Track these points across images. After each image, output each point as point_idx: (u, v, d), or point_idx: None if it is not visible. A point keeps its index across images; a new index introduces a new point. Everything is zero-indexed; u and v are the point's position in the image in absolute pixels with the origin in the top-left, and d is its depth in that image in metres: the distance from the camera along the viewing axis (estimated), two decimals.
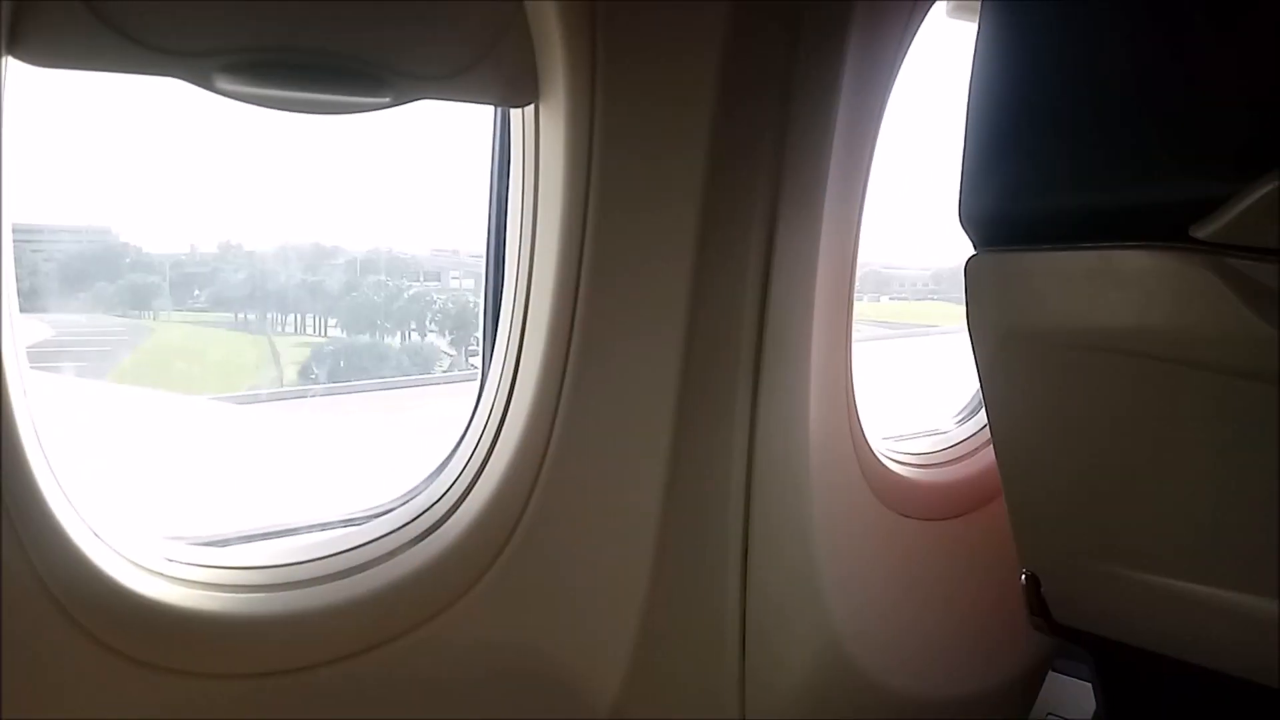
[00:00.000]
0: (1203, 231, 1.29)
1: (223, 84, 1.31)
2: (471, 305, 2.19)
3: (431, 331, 2.31)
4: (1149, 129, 1.36)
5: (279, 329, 2.14)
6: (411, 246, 2.30)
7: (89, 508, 1.44)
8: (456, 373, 2.29)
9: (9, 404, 1.29)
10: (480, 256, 1.84)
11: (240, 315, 2.14)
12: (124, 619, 1.42)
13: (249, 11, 1.33)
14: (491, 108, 1.72)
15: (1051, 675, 2.41)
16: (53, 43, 1.25)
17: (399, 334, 2.30)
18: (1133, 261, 1.38)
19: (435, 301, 2.31)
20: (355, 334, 2.26)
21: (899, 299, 3.44)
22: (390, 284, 2.25)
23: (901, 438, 2.32)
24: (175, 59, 1.30)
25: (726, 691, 1.99)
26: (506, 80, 1.56)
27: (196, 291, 2.07)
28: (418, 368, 2.34)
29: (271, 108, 1.36)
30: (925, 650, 2.19)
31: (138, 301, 1.99)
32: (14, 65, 1.25)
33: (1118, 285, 1.42)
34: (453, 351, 2.33)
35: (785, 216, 1.79)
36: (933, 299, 3.38)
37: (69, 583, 1.37)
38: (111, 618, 1.41)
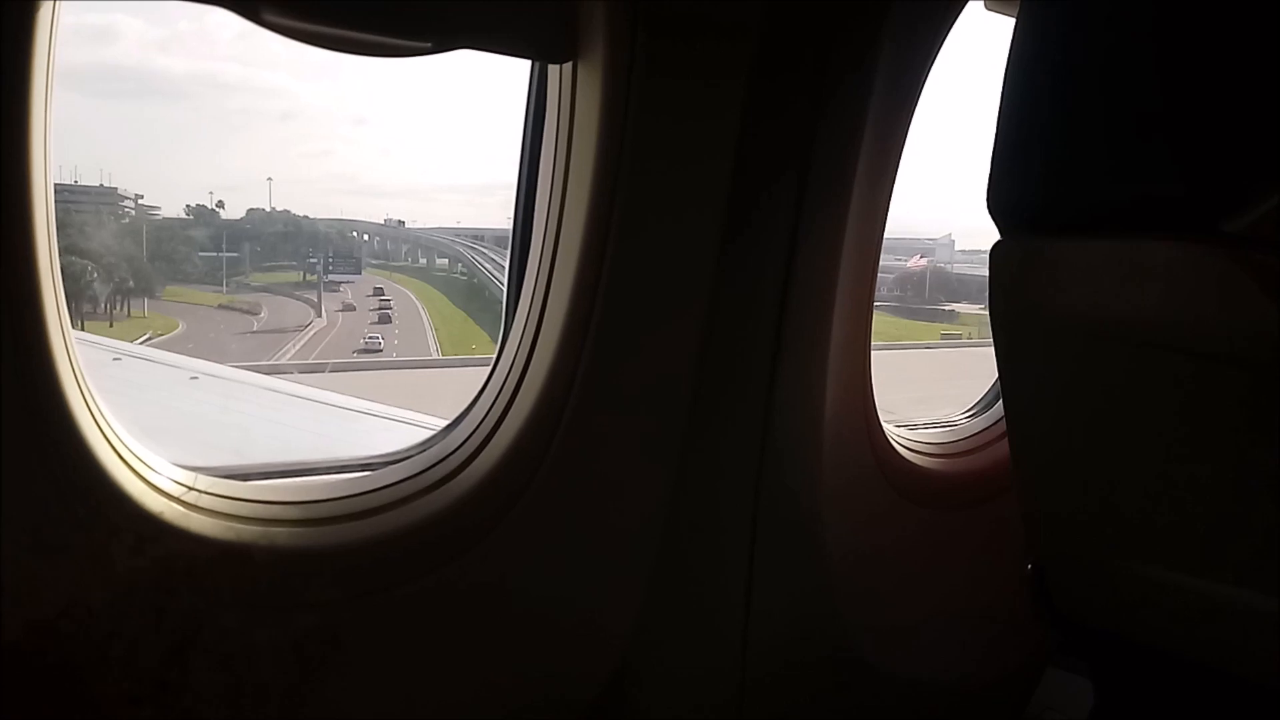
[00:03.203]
0: (1234, 225, 1.29)
1: (268, 15, 1.33)
2: None
3: None
4: (1183, 121, 1.36)
5: None
6: None
7: (117, 432, 1.48)
8: None
9: (48, 336, 1.33)
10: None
11: None
12: (146, 544, 1.45)
13: None
14: (529, 63, 1.73)
15: (1050, 671, 2.42)
16: None
17: None
18: (1159, 253, 1.38)
19: None
20: None
21: None
22: None
23: (915, 426, 2.33)
24: None
25: (728, 662, 2.01)
26: (546, 35, 1.58)
27: None
28: None
29: (315, 44, 1.38)
30: (927, 638, 2.20)
31: None
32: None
33: (1143, 276, 1.42)
34: None
35: (815, 192, 1.80)
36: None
37: (96, 505, 1.40)
38: (136, 542, 1.44)
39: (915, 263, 6.64)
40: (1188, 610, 1.58)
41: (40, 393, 1.33)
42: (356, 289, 5.97)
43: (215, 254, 5.71)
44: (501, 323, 1.86)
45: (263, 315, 5.60)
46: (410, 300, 6.12)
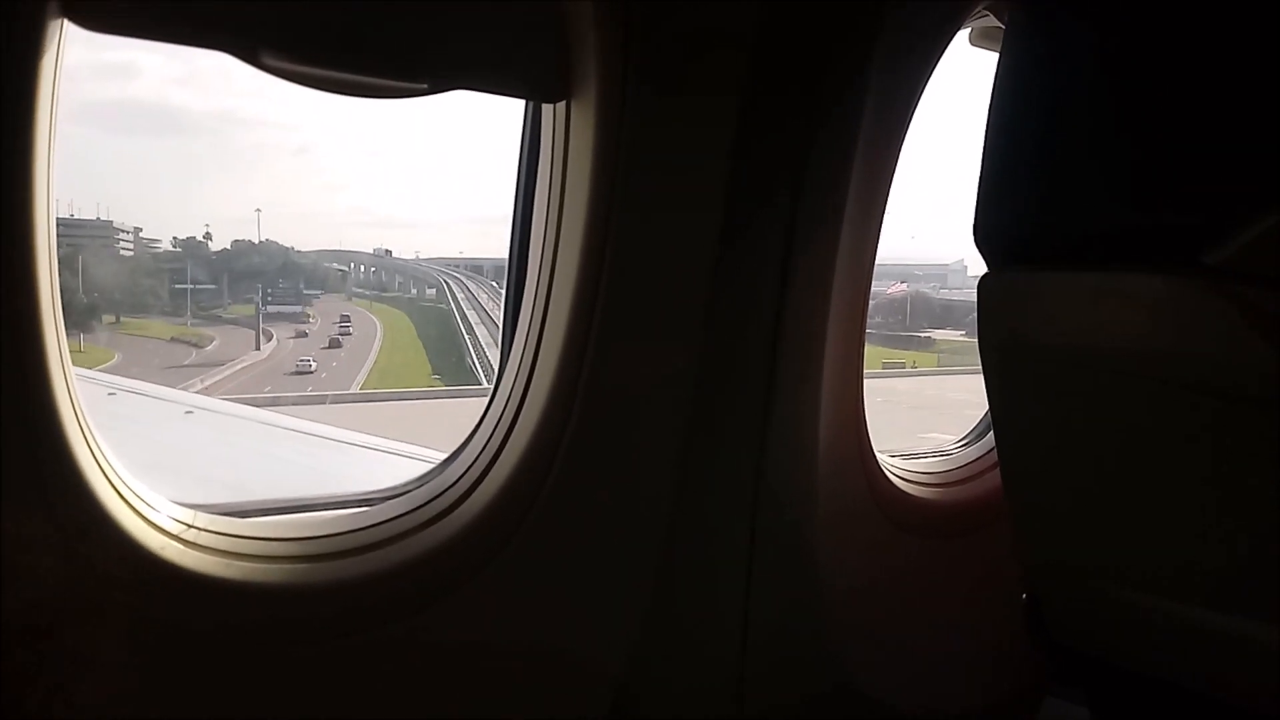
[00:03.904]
0: (1213, 257, 1.31)
1: (267, 59, 1.36)
2: None
3: None
4: (1163, 154, 1.39)
5: None
6: None
7: (116, 470, 1.48)
8: None
9: (48, 370, 1.34)
10: None
11: None
12: (146, 582, 1.46)
13: None
14: (523, 102, 1.76)
15: (1047, 700, 2.41)
16: (104, 6, 1.30)
17: None
18: (1142, 284, 1.40)
19: None
20: None
21: None
22: None
23: (909, 456, 2.34)
24: (223, 31, 1.35)
25: (724, 696, 2.01)
26: (540, 75, 1.61)
27: None
28: None
29: (314, 87, 1.41)
30: (922, 667, 2.19)
31: None
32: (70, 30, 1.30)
33: (1126, 307, 1.44)
34: None
35: (806, 223, 1.82)
36: None
37: (93, 539, 1.41)
38: (135, 580, 1.45)
39: (895, 289, 6.70)
40: (1183, 637, 1.59)
41: (40, 431, 1.34)
42: (329, 317, 6.12)
43: (189, 286, 5.79)
44: (487, 353, 1.87)
45: (208, 348, 5.72)
46: (373, 329, 6.28)
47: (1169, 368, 1.42)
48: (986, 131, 1.56)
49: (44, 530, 1.37)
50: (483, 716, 1.77)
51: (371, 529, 1.68)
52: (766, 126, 1.72)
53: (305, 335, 5.96)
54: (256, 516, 1.67)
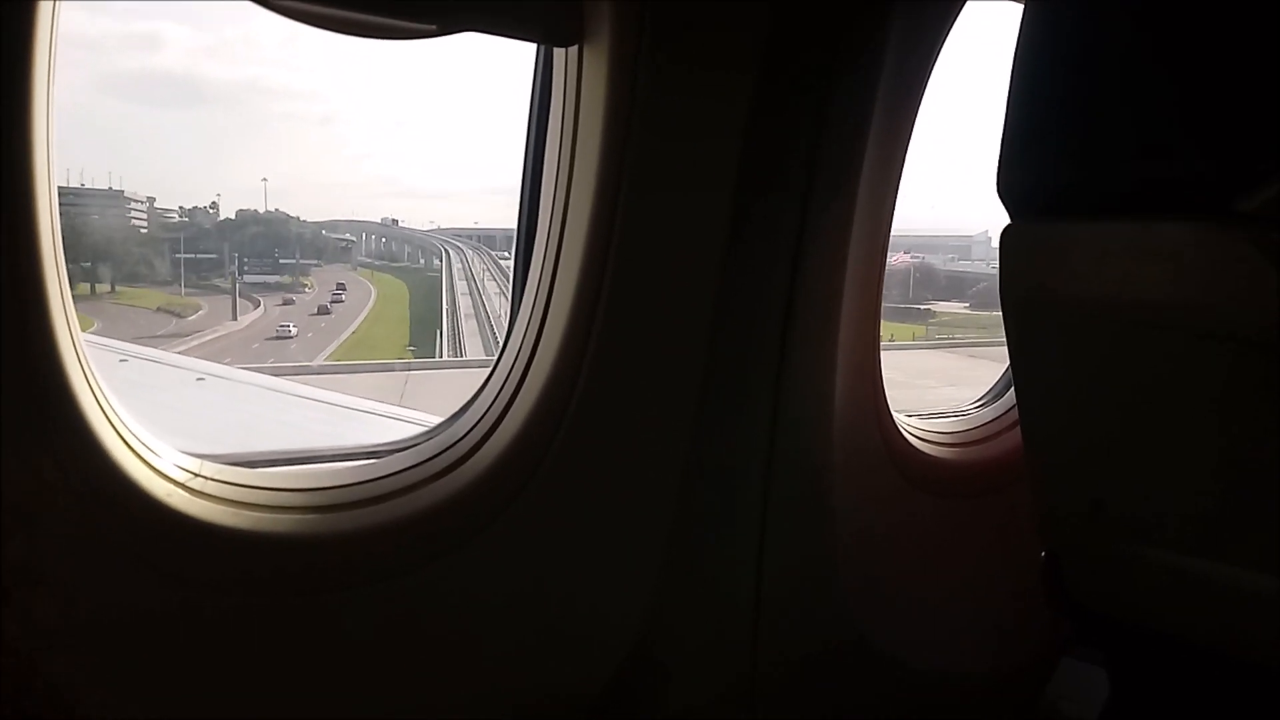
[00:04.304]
0: (1246, 204, 1.27)
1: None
2: None
3: None
4: (1196, 101, 1.35)
5: None
6: None
7: (122, 418, 1.47)
8: None
9: (52, 322, 1.33)
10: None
11: None
12: (151, 529, 1.45)
13: None
14: (535, 48, 1.72)
15: (1064, 660, 2.40)
16: None
17: None
18: (1171, 233, 1.37)
19: None
20: None
21: None
22: None
23: (926, 416, 2.32)
24: None
25: (739, 651, 2.00)
26: (552, 18, 1.57)
27: None
28: None
29: (321, 26, 1.38)
30: (938, 627, 2.18)
31: None
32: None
33: (1154, 257, 1.41)
34: None
35: (823, 177, 1.79)
36: None
37: (98, 485, 1.40)
38: (140, 527, 1.44)
39: (897, 260, 6.65)
40: (1203, 596, 1.57)
41: (45, 379, 1.34)
42: (327, 286, 6.27)
43: (186, 256, 5.87)
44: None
45: (191, 317, 5.83)
46: (366, 298, 6.40)
47: (1195, 317, 1.39)
48: (1011, 81, 1.52)
49: (50, 476, 1.36)
50: (493, 669, 1.76)
51: (381, 480, 1.66)
52: (786, 72, 1.69)
53: (292, 303, 6.09)
54: (264, 467, 1.65)
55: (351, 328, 6.36)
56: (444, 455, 1.72)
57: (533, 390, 1.71)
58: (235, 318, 5.94)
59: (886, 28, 1.73)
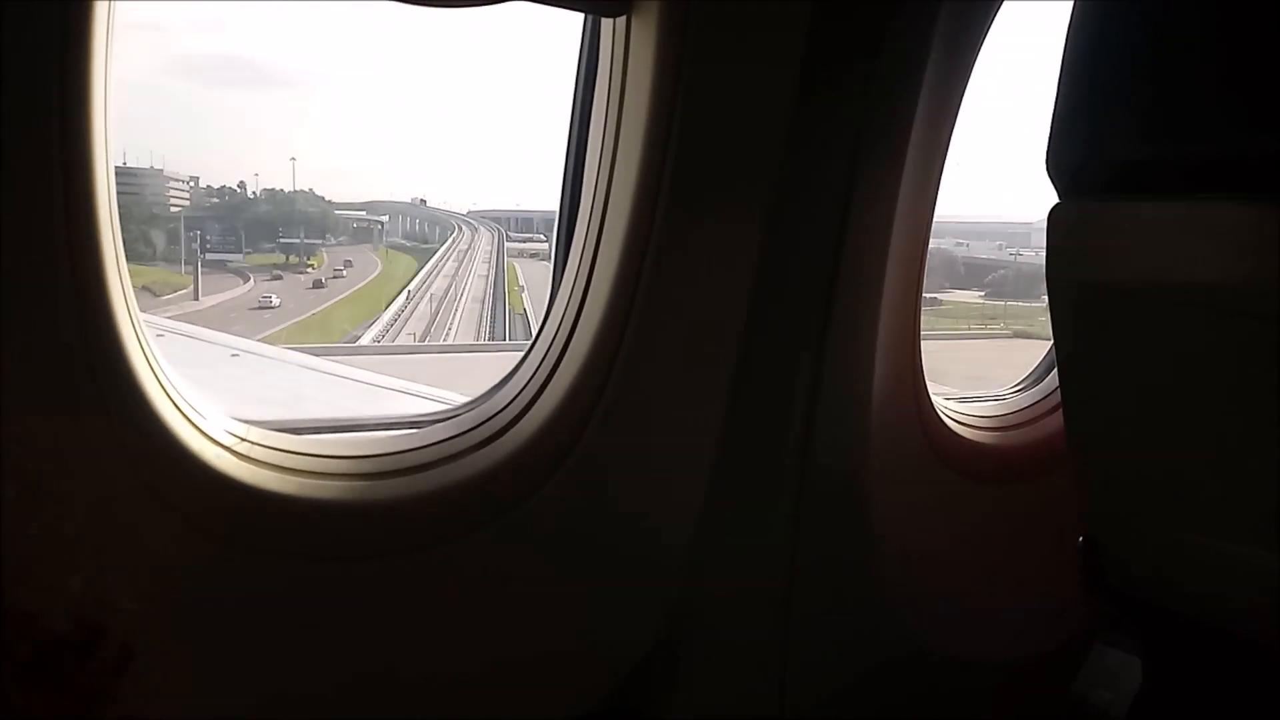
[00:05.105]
0: None
1: None
2: None
3: None
4: (1255, 78, 1.32)
5: None
6: None
7: (172, 381, 1.49)
8: None
9: (108, 287, 1.36)
10: None
11: None
12: (200, 490, 1.47)
13: None
14: (581, 18, 1.72)
15: (1098, 647, 2.38)
16: None
17: None
18: (1228, 213, 1.35)
19: None
20: None
21: None
22: None
23: (965, 399, 2.30)
24: None
25: (773, 637, 2.00)
26: None
27: None
28: None
29: None
30: (972, 612, 2.17)
31: None
32: None
33: (1209, 237, 1.38)
34: None
35: (867, 167, 1.78)
36: None
37: (148, 447, 1.42)
38: (191, 489, 1.47)
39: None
40: (1245, 584, 1.55)
41: (99, 342, 1.36)
42: (334, 264, 6.63)
43: (189, 233, 5.97)
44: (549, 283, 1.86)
45: (165, 296, 5.93)
46: (360, 278, 6.71)
47: (1251, 300, 1.37)
48: (1064, 58, 1.50)
49: (102, 438, 1.38)
50: (531, 638, 1.77)
51: (425, 449, 1.68)
52: (834, 44, 1.67)
53: (280, 278, 6.46)
54: (309, 434, 1.67)
55: (322, 307, 6.51)
56: (488, 424, 1.73)
57: (574, 360, 1.72)
58: (197, 298, 6.01)
59: (936, 12, 1.72)
